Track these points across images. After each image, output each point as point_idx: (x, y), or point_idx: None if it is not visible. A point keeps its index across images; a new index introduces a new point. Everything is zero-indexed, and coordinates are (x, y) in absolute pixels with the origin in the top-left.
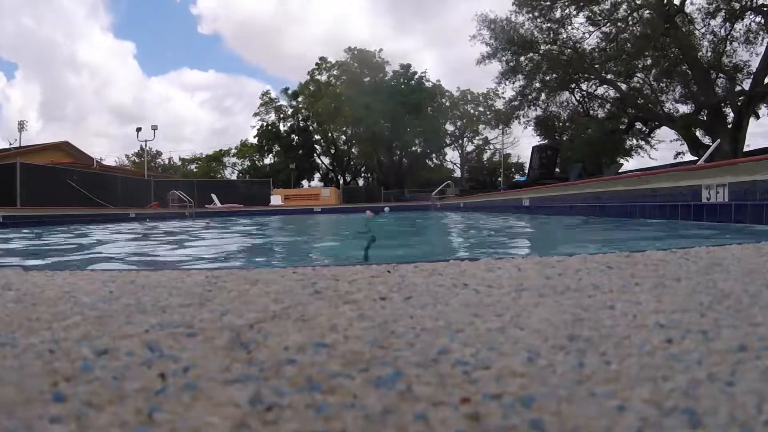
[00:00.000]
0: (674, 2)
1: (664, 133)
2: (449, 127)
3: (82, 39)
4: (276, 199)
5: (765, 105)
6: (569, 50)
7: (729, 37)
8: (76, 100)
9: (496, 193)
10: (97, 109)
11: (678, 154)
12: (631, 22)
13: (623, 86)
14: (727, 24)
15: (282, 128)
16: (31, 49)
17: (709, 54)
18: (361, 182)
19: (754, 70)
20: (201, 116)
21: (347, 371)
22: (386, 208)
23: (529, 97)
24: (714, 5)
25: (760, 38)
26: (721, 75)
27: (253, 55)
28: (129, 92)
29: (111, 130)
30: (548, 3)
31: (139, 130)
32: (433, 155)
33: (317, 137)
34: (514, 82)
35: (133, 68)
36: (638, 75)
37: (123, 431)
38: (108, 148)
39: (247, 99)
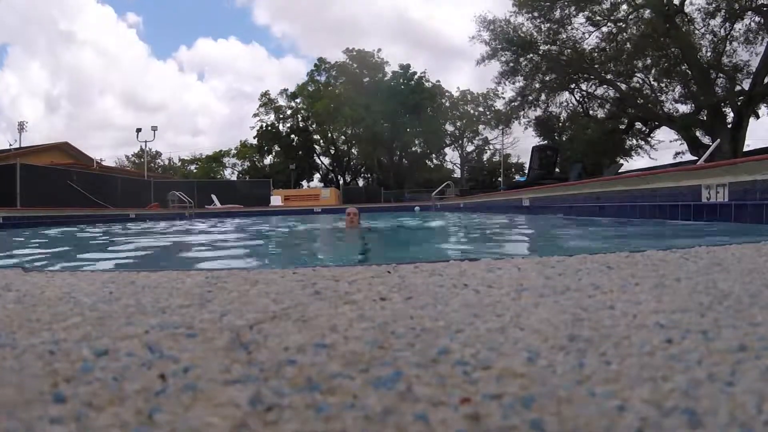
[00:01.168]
0: (674, 2)
1: (664, 133)
2: (449, 128)
3: (87, 18)
4: (276, 200)
5: (765, 105)
6: (569, 50)
7: (729, 37)
8: (80, 87)
9: (496, 194)
10: (106, 96)
11: (677, 154)
12: (631, 22)
13: (623, 86)
14: (727, 24)
15: (281, 128)
16: (27, 29)
17: (709, 54)
18: (361, 182)
19: (754, 70)
20: (218, 102)
21: (347, 372)
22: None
23: (529, 97)
24: (714, 5)
25: (760, 38)
26: (721, 75)
27: (286, 29)
28: (144, 80)
29: (124, 120)
30: (548, 3)
31: (139, 130)
32: (433, 155)
33: (317, 137)
34: (513, 83)
35: (143, 51)
36: (638, 75)
37: None
38: (117, 140)
39: (279, 80)
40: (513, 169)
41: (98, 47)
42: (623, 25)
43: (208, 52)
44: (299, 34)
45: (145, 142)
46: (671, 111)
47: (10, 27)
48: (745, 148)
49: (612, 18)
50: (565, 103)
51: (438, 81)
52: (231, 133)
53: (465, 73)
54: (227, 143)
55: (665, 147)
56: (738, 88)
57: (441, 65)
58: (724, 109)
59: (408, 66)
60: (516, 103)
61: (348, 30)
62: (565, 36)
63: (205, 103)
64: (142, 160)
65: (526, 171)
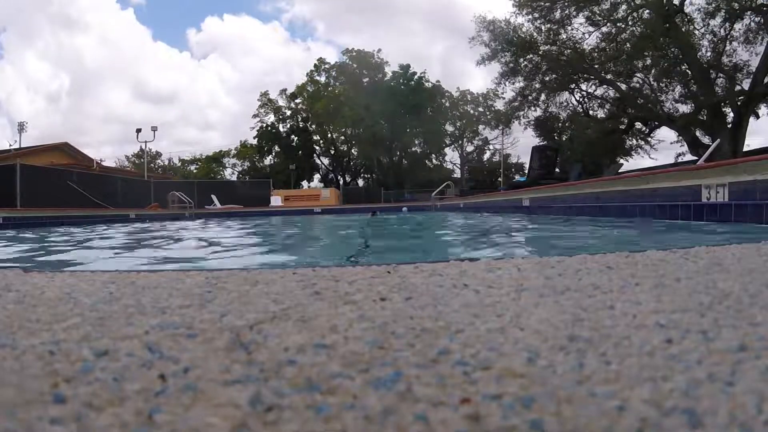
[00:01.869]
0: (674, 2)
1: (664, 133)
2: (449, 128)
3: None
4: (276, 200)
5: (765, 105)
6: (569, 50)
7: (729, 36)
8: (79, 76)
9: (496, 194)
10: (108, 86)
11: (679, 155)
12: (630, 22)
13: (623, 86)
14: (727, 24)
15: (281, 129)
16: (20, 13)
17: (709, 54)
18: (360, 183)
19: (754, 70)
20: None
21: (347, 372)
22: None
23: (529, 97)
24: (714, 5)
25: (759, 38)
26: (720, 75)
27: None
28: (150, 68)
29: (127, 110)
30: (548, 4)
31: (139, 131)
32: (433, 156)
33: (317, 138)
34: (513, 83)
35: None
36: (638, 75)
37: None
38: (119, 134)
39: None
40: (513, 169)
41: (99, 32)
42: (623, 26)
43: (221, 35)
44: (325, 15)
45: (145, 142)
46: (671, 111)
47: (2, 10)
48: (745, 148)
49: (612, 18)
50: (565, 103)
51: (438, 81)
52: (247, 126)
53: None
54: (244, 135)
55: (665, 147)
56: (738, 88)
57: (476, 51)
58: (724, 109)
59: (408, 66)
60: (516, 104)
61: (382, 12)
62: (565, 36)
63: (219, 93)
64: (142, 160)
65: (526, 171)
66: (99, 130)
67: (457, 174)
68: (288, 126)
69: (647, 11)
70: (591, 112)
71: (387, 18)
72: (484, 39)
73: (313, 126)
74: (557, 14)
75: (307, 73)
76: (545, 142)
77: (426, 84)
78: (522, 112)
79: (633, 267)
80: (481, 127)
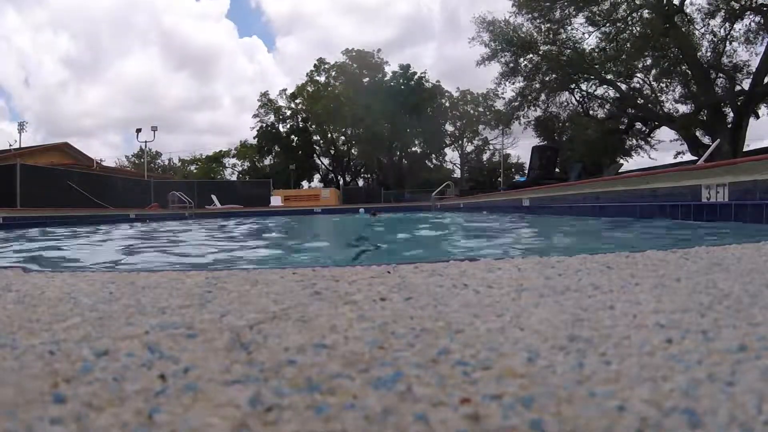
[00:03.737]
0: (674, 2)
1: (664, 133)
2: (449, 128)
3: None
4: (276, 200)
5: (765, 105)
6: (569, 50)
7: (729, 37)
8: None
9: (496, 194)
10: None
11: (678, 153)
12: (630, 22)
13: (623, 86)
14: (727, 24)
15: (281, 129)
16: None
17: (709, 54)
18: (360, 183)
19: (754, 70)
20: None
21: (347, 372)
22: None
23: (529, 97)
24: (714, 5)
25: (760, 38)
26: (720, 75)
27: None
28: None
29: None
30: (548, 4)
31: (139, 131)
32: (433, 156)
33: (317, 138)
34: (513, 83)
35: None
36: (638, 75)
37: None
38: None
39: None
40: (513, 169)
41: None
42: (622, 26)
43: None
44: None
45: (145, 142)
46: (671, 111)
47: None
48: (745, 148)
49: (611, 18)
50: (565, 103)
51: (438, 81)
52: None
53: None
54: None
55: (665, 147)
56: (738, 88)
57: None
58: (724, 109)
59: (408, 66)
60: (516, 104)
61: None
62: (564, 36)
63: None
64: (142, 160)
65: (526, 171)
66: (110, 108)
67: (457, 174)
68: (288, 126)
69: (647, 11)
70: (591, 112)
71: None
72: (483, 39)
73: (313, 126)
74: (557, 14)
75: (307, 73)
76: (545, 142)
77: (426, 84)
78: (522, 112)
79: (633, 267)
80: (481, 127)
